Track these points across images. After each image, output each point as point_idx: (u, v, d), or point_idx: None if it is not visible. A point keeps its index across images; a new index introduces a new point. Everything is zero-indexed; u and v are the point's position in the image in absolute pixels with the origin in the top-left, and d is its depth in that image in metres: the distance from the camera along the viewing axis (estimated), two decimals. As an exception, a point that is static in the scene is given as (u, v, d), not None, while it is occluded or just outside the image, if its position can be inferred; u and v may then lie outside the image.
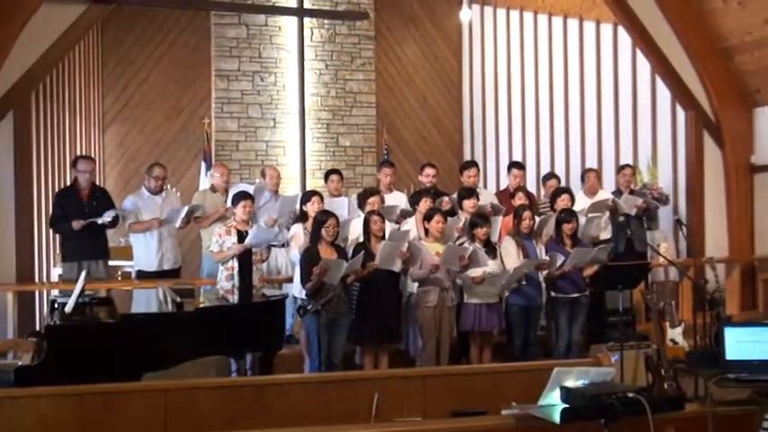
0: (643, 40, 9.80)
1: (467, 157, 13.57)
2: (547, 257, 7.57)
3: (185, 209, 8.23)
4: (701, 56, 9.67)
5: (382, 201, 7.97)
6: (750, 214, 10.01)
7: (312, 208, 7.58)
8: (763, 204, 9.93)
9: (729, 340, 4.72)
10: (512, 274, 7.29)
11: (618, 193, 9.22)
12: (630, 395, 3.55)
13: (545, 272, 7.60)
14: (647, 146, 10.69)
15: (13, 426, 4.49)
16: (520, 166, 9.46)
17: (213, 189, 8.79)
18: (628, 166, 9.56)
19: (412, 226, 7.80)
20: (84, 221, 7.85)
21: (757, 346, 4.59)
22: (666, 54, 9.75)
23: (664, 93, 10.36)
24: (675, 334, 8.04)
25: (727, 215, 10.06)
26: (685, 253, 9.85)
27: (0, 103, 8.17)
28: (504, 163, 10.78)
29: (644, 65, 10.50)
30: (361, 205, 7.93)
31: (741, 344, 4.69)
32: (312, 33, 12.90)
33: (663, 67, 9.89)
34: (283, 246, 7.90)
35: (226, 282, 7.23)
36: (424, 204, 7.81)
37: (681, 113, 10.24)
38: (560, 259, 7.51)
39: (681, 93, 9.99)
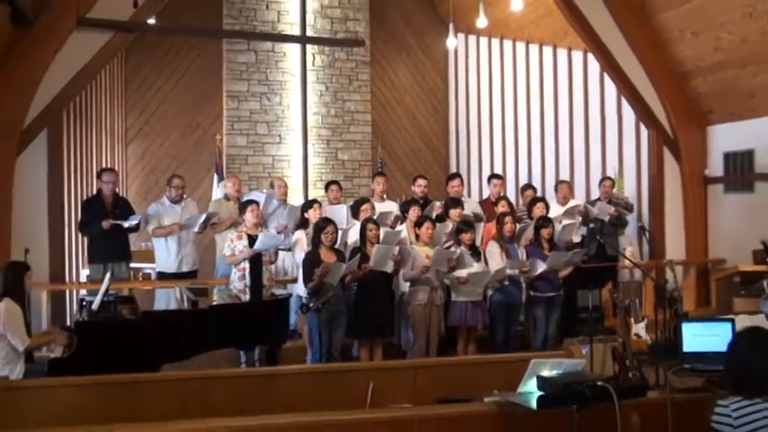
0: (610, 65, 9.85)
1: (453, 169, 13.59)
2: (528, 262, 7.60)
3: (204, 215, 8.25)
4: (662, 80, 9.74)
5: (372, 208, 7.99)
6: (704, 221, 10.07)
7: (313, 215, 7.62)
8: (716, 212, 9.98)
9: (686, 334, 4.74)
10: (494, 274, 7.32)
11: (596, 200, 9.29)
12: (599, 384, 3.56)
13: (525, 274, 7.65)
14: (614, 160, 10.74)
15: (47, 411, 4.48)
16: (498, 176, 9.52)
17: (227, 198, 8.80)
18: (608, 178, 9.61)
19: (404, 231, 7.84)
20: (112, 222, 7.87)
21: (711, 339, 4.60)
22: (631, 78, 9.82)
23: (628, 113, 10.41)
24: (639, 328, 8.03)
25: (684, 222, 10.11)
26: (648, 256, 9.90)
27: (35, 122, 8.17)
28: (487, 174, 10.80)
29: (611, 88, 10.54)
30: (355, 214, 7.96)
31: (697, 337, 4.70)
32: (314, 59, 12.91)
33: (628, 89, 9.95)
34: (290, 249, 7.92)
35: (239, 282, 7.25)
36: (414, 212, 7.86)
37: (644, 131, 10.30)
38: (540, 266, 7.54)
39: (644, 113, 10.05)
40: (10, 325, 5.59)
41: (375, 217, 7.71)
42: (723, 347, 3.57)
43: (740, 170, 9.54)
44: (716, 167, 9.90)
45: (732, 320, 4.78)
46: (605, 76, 10.47)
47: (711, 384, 4.10)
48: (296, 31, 12.68)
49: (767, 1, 7.99)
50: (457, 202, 8.15)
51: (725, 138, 9.74)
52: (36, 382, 4.93)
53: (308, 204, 7.87)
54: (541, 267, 7.52)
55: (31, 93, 7.93)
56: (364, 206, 7.87)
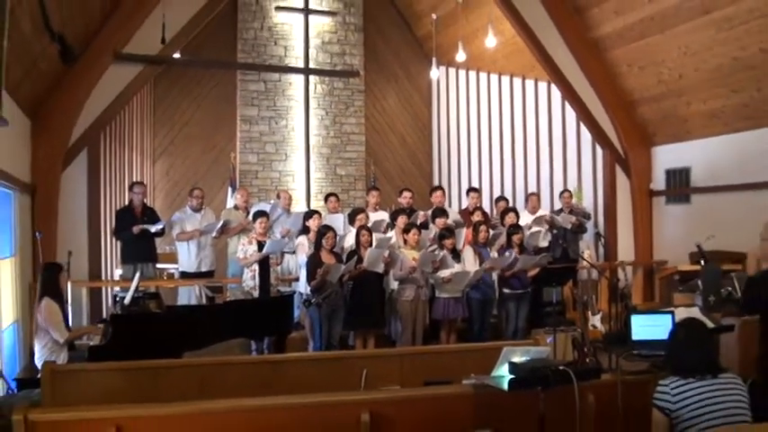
0: (570, 94, 9.92)
1: (436, 183, 13.63)
2: (504, 257, 7.60)
3: (221, 222, 8.25)
4: (614, 107, 9.81)
5: (367, 217, 8.01)
6: (650, 228, 10.13)
7: (313, 223, 7.59)
8: (659, 221, 10.05)
9: (635, 325, 4.76)
10: (472, 275, 7.35)
11: (560, 211, 9.32)
12: (561, 368, 3.56)
13: (497, 272, 7.66)
14: (573, 175, 10.80)
15: (87, 392, 4.48)
16: (475, 189, 9.52)
17: (236, 207, 8.79)
18: (567, 190, 9.67)
19: (393, 237, 7.86)
20: (141, 226, 7.88)
21: (655, 328, 4.63)
22: (588, 105, 9.89)
23: (586, 135, 10.48)
24: (595, 320, 8.12)
25: (633, 229, 10.17)
26: (603, 258, 9.94)
27: (77, 142, 8.18)
28: (465, 187, 10.83)
29: (571, 114, 10.62)
30: (352, 222, 7.97)
31: (643, 327, 4.73)
32: (315, 87, 12.96)
33: (585, 115, 10.01)
34: (293, 252, 7.93)
35: (250, 281, 7.25)
36: (402, 220, 7.87)
37: (599, 151, 10.36)
38: (510, 258, 7.56)
39: (599, 135, 10.11)
40: (50, 321, 5.56)
41: (369, 225, 7.73)
42: (665, 336, 3.62)
43: (679, 184, 9.62)
44: (659, 182, 9.97)
45: (672, 313, 4.81)
46: (566, 103, 10.53)
47: (655, 367, 4.13)
48: (300, 64, 12.74)
49: (700, 41, 8.09)
50: (442, 212, 8.17)
51: (666, 157, 9.82)
52: (78, 366, 4.92)
53: (309, 214, 7.88)
54: (511, 258, 7.56)
55: (75, 117, 7.96)
56: (360, 215, 7.90)
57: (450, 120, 13.82)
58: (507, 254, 7.60)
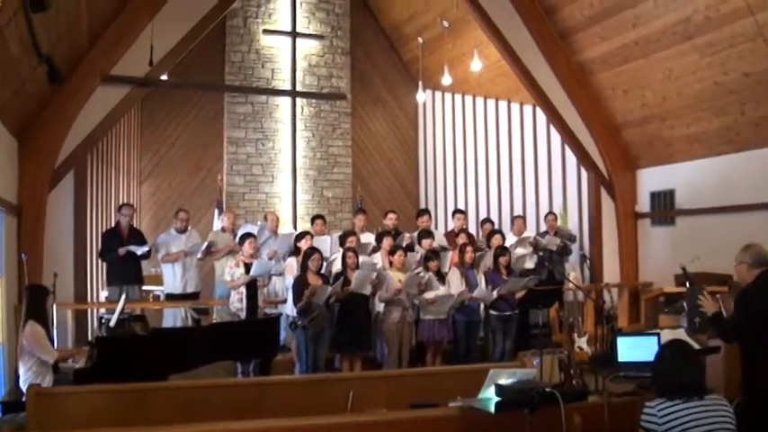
0: (555, 118, 10.02)
1: (422, 205, 13.67)
2: (489, 290, 7.60)
3: (205, 243, 8.23)
4: (598, 131, 9.92)
5: (358, 240, 8.02)
6: (635, 250, 10.20)
7: (305, 244, 7.58)
8: (644, 243, 10.13)
9: (621, 346, 4.78)
10: (457, 297, 7.35)
11: (545, 233, 9.38)
12: (548, 390, 3.57)
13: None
14: (559, 198, 10.87)
15: (73, 414, 4.43)
16: (461, 212, 9.57)
17: (223, 230, 8.78)
18: (551, 213, 9.73)
19: (379, 259, 7.86)
20: (127, 248, 7.85)
21: (641, 350, 4.65)
22: (572, 129, 9.99)
23: (571, 158, 10.57)
24: (581, 342, 8.13)
25: (618, 251, 10.22)
26: (588, 280, 9.99)
27: (64, 163, 8.15)
28: (451, 210, 10.88)
29: (556, 137, 10.71)
30: (342, 243, 7.97)
31: (629, 349, 4.75)
32: (302, 110, 13.01)
33: (570, 138, 10.11)
34: (281, 275, 7.89)
35: (237, 303, 7.19)
36: (387, 242, 7.87)
37: (584, 174, 10.45)
38: (493, 295, 7.57)
39: (584, 158, 10.21)
40: (37, 345, 5.47)
41: (357, 247, 7.74)
42: (651, 357, 3.63)
43: (664, 207, 9.72)
44: (644, 204, 10.06)
45: (658, 334, 4.84)
46: (551, 126, 10.64)
47: (641, 389, 4.15)
48: (287, 86, 12.79)
49: (683, 66, 8.23)
50: (429, 234, 8.19)
51: (651, 179, 9.93)
52: (64, 389, 4.88)
53: (300, 235, 7.88)
54: (495, 292, 7.56)
55: (62, 138, 7.96)
56: (350, 237, 7.93)
57: (436, 142, 13.89)
58: (494, 294, 7.60)
